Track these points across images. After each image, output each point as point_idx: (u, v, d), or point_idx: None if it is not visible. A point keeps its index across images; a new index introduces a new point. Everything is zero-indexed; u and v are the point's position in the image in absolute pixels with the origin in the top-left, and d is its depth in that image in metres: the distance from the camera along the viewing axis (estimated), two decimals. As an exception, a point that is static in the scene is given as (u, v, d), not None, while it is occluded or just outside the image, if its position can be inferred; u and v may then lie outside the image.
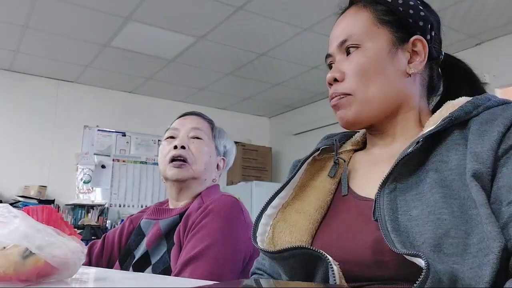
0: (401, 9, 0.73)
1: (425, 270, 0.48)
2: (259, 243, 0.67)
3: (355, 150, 0.83)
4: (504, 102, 0.66)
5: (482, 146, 0.59)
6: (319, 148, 0.78)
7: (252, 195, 4.59)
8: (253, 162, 5.26)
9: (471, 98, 0.68)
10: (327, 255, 0.59)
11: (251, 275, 0.83)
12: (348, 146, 0.83)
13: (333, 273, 0.57)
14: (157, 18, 3.24)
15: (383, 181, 0.63)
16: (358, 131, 0.86)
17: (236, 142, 2.51)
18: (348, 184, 0.73)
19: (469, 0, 2.94)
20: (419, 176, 0.63)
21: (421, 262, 0.50)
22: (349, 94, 0.72)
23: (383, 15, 0.73)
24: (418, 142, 0.62)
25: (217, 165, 1.30)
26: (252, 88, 4.74)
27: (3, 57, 3.99)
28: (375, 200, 0.63)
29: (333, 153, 0.79)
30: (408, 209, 0.59)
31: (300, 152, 0.89)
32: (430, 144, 0.65)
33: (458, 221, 0.54)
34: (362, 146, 0.83)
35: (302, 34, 3.44)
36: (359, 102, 0.72)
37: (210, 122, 1.33)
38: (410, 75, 0.73)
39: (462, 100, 0.69)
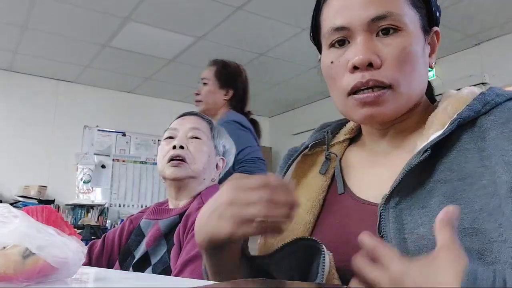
0: None
1: None
2: (251, 252, 0.63)
3: (351, 140, 0.76)
4: (509, 97, 0.60)
5: None
6: (308, 145, 0.72)
7: (252, 195, 4.59)
8: (253, 162, 5.26)
9: (478, 93, 0.62)
10: (322, 244, 0.55)
11: None
12: (341, 136, 0.76)
13: (324, 263, 0.53)
14: (156, 18, 3.24)
15: (387, 196, 0.57)
16: None
17: (235, 142, 2.50)
18: (344, 181, 0.67)
19: (467, 0, 2.94)
20: (425, 187, 0.56)
21: None
22: (389, 86, 0.60)
23: None
24: (426, 151, 0.56)
25: (216, 165, 1.31)
26: (252, 88, 4.72)
27: (2, 57, 3.99)
28: (380, 215, 0.57)
29: (325, 146, 0.72)
30: (415, 226, 0.54)
31: (300, 152, 0.85)
32: (436, 148, 0.58)
33: (470, 240, 0.50)
34: (356, 132, 0.76)
35: (302, 34, 3.44)
36: (399, 96, 0.61)
37: (209, 122, 1.33)
38: (431, 68, 0.67)
39: (465, 93, 0.63)
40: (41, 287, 0.48)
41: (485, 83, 3.48)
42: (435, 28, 0.67)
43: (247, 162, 1.77)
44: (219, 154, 1.31)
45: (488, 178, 0.53)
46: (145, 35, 3.51)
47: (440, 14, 0.69)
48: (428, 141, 0.57)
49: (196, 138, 1.25)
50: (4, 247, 0.47)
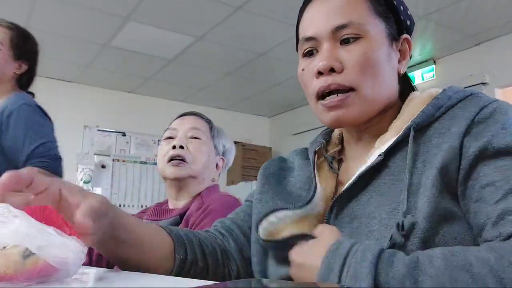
0: (395, 3, 0.69)
1: None
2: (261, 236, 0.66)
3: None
4: (460, 99, 0.62)
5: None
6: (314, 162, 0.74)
7: (252, 195, 4.59)
8: (253, 162, 5.26)
9: (433, 98, 0.65)
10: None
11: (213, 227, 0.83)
12: (333, 146, 0.78)
13: None
14: (156, 18, 3.24)
15: (338, 196, 0.63)
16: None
17: (236, 142, 2.51)
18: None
19: (468, 0, 2.94)
20: (367, 189, 0.63)
21: None
22: (351, 89, 0.64)
23: (379, 6, 0.67)
24: (380, 155, 0.61)
25: (216, 164, 1.31)
26: (252, 88, 4.74)
27: (2, 57, 3.99)
28: (331, 209, 0.65)
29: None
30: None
31: (300, 152, 0.86)
32: (390, 153, 0.62)
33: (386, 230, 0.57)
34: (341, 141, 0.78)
35: (302, 34, 3.44)
36: (363, 99, 0.64)
37: (209, 122, 1.33)
38: (399, 74, 0.70)
39: (424, 96, 0.67)
40: (41, 287, 0.48)
41: (485, 83, 3.48)
42: (405, 36, 0.71)
43: (49, 158, 1.64)
44: (219, 153, 1.31)
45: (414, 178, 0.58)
46: (145, 35, 3.51)
47: (411, 23, 0.73)
48: (383, 146, 0.63)
49: (196, 138, 1.25)
50: (4, 247, 0.47)
